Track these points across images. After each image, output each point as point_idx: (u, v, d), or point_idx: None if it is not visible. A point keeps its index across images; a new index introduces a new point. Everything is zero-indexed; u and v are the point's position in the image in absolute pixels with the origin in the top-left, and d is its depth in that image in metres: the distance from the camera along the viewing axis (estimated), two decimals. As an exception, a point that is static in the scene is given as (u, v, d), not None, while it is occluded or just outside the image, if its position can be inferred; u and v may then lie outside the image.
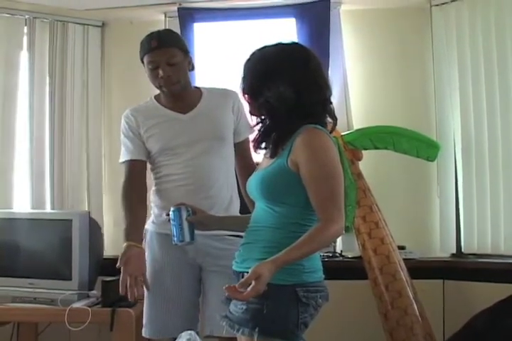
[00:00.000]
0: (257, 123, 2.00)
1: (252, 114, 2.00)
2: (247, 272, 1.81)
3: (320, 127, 1.90)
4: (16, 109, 3.74)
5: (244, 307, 1.82)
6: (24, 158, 3.74)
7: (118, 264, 2.35)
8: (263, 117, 1.97)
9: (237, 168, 2.64)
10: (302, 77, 1.89)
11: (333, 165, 1.85)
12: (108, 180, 3.89)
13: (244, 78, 1.95)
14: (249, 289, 1.67)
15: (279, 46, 1.95)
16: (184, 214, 2.10)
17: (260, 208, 1.96)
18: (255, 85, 1.92)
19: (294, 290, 1.83)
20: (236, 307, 1.87)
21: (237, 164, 2.64)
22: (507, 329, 2.62)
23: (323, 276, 1.93)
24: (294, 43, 2.03)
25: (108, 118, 3.90)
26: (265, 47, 1.96)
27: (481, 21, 3.37)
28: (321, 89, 1.92)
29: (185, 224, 2.09)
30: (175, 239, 2.12)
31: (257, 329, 1.79)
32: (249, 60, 1.96)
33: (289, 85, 1.87)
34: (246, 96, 1.97)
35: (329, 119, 1.98)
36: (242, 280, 1.71)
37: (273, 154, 1.92)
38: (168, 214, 2.14)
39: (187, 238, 2.10)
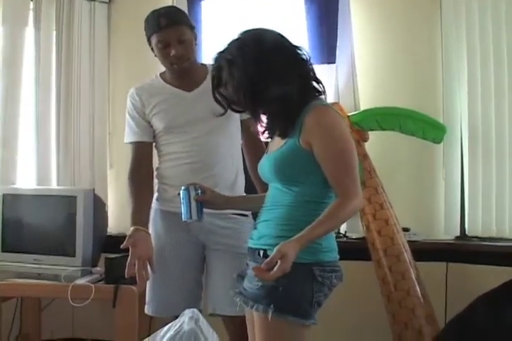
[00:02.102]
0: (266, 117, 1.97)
1: (265, 113, 1.95)
2: (263, 249, 1.86)
3: (325, 102, 1.92)
4: (22, 85, 3.71)
5: (260, 283, 1.83)
6: (30, 134, 3.73)
7: (124, 245, 2.35)
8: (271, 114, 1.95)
9: (243, 145, 2.64)
10: (285, 59, 1.87)
11: (345, 140, 1.86)
12: (112, 157, 3.88)
13: (236, 91, 1.88)
14: (275, 269, 1.68)
15: (240, 46, 1.88)
16: (192, 194, 2.15)
17: (276, 188, 1.96)
18: (258, 89, 1.85)
19: (310, 268, 1.84)
20: (251, 284, 1.88)
21: (243, 141, 2.63)
22: (508, 315, 2.62)
23: (338, 256, 1.94)
24: (247, 32, 1.93)
25: (114, 94, 3.87)
26: (228, 51, 1.89)
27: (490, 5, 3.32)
28: (302, 60, 1.91)
29: (193, 203, 2.15)
30: (183, 216, 2.17)
31: (272, 306, 1.80)
32: (228, 72, 1.87)
33: (282, 72, 1.85)
34: (253, 105, 1.91)
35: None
36: (268, 260, 1.71)
37: (284, 135, 1.92)
38: (179, 194, 2.17)
39: (194, 216, 2.15)
